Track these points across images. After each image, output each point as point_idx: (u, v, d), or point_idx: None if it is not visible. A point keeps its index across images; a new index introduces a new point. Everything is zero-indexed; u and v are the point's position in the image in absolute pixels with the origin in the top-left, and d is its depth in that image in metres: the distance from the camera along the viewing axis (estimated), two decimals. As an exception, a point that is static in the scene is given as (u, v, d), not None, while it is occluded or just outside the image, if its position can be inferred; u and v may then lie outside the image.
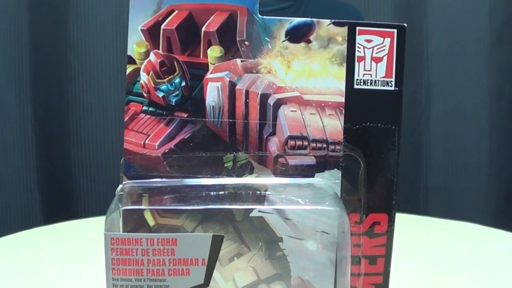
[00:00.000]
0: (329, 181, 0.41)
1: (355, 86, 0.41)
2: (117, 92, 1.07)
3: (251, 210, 0.40)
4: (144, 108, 0.41)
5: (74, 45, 1.09)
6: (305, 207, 0.39)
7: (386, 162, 0.42)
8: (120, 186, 0.39)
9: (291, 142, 0.41)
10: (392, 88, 0.41)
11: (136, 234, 0.37)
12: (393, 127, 0.41)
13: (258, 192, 0.40)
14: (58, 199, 1.14)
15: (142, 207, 0.39)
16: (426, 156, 1.16)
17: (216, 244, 0.38)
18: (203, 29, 0.40)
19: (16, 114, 1.10)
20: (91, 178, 1.10)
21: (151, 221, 0.39)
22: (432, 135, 1.17)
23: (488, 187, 1.17)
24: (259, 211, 0.40)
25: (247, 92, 0.41)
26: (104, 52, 1.10)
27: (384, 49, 0.41)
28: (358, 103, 0.41)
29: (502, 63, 1.17)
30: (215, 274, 0.39)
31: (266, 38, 0.40)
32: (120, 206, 0.38)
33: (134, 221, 0.39)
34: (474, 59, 1.16)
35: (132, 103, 0.41)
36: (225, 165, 0.41)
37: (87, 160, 1.11)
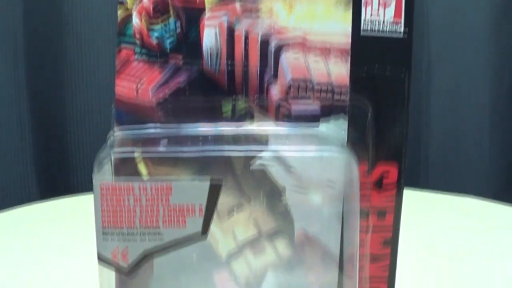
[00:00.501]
0: (334, 129, 0.38)
1: (362, 31, 0.39)
2: (113, 65, 1.04)
3: (251, 162, 0.37)
4: (137, 52, 0.38)
5: (67, 18, 1.07)
6: (309, 153, 0.37)
7: (395, 110, 0.39)
8: (111, 132, 0.37)
9: (294, 88, 0.38)
10: (401, 34, 0.38)
11: (128, 180, 0.35)
12: (402, 75, 0.39)
13: (259, 140, 0.37)
14: (54, 176, 1.12)
15: (135, 154, 0.36)
16: (427, 133, 1.14)
17: (214, 191, 0.35)
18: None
19: (10, 87, 1.08)
20: (87, 154, 1.07)
21: (144, 171, 0.36)
22: (432, 112, 1.15)
23: (489, 163, 1.15)
24: (260, 163, 0.37)
25: (246, 36, 0.38)
26: (99, 23, 1.07)
27: (392, -7, 0.38)
28: (365, 50, 0.39)
29: (504, 40, 1.15)
30: (213, 228, 0.37)
31: (267, -22, 0.38)
32: (111, 153, 0.35)
33: (126, 172, 0.36)
34: (475, 36, 1.14)
35: (124, 48, 0.38)
36: (224, 113, 0.38)
37: (83, 136, 1.08)
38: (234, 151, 0.37)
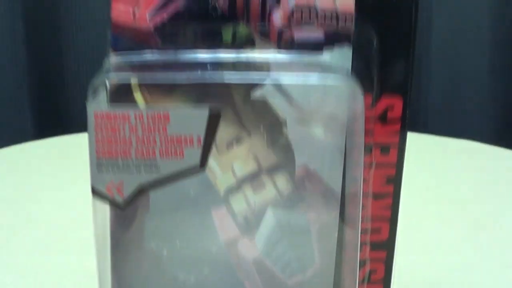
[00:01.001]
0: (339, 57, 0.36)
1: (369, -45, 0.36)
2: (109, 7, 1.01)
3: (252, 91, 0.35)
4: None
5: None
6: (312, 82, 0.34)
7: (401, 39, 0.37)
8: (106, 59, 0.34)
9: (297, 14, 0.36)
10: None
11: (124, 107, 0.32)
12: (410, 1, 0.36)
13: (260, 69, 0.35)
14: (51, 115, 1.11)
15: (131, 80, 0.34)
16: (426, 75, 1.12)
17: (213, 121, 0.33)
18: None
19: (6, 30, 1.05)
20: (84, 92, 1.05)
21: (140, 101, 0.34)
22: (432, 54, 1.13)
23: (489, 106, 1.14)
24: (261, 94, 0.35)
25: (249, -41, 0.35)
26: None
27: None
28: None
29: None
30: (212, 163, 0.35)
31: None
32: (106, 79, 0.33)
33: (122, 100, 0.34)
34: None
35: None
36: (224, 40, 0.36)
37: (79, 75, 1.07)
38: (233, 78, 0.34)
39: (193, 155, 0.34)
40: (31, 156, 0.91)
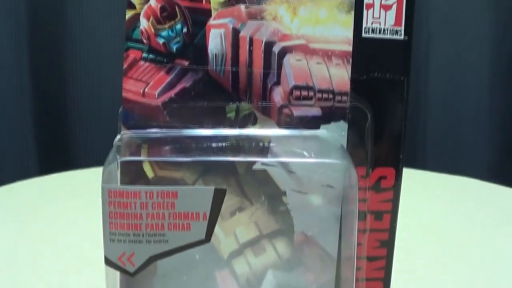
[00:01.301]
0: (335, 133, 0.39)
1: (363, 35, 0.39)
2: (114, 39, 1.04)
3: (254, 162, 0.38)
4: (144, 55, 0.39)
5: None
6: (310, 159, 0.38)
7: (394, 114, 0.40)
8: (118, 136, 0.38)
9: (296, 92, 0.39)
10: (401, 37, 0.39)
11: (135, 186, 0.36)
12: (402, 78, 0.40)
13: (261, 144, 0.39)
14: (54, 149, 1.13)
15: (141, 158, 0.37)
16: (425, 110, 1.14)
17: (218, 197, 0.36)
18: (206, -28, 0.38)
19: (12, 63, 1.07)
20: (87, 127, 1.08)
21: (150, 173, 0.38)
22: (431, 88, 1.15)
23: (487, 142, 1.16)
24: (262, 163, 0.38)
25: (251, 40, 0.39)
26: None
27: (393, -3, 0.39)
28: (366, 53, 0.40)
29: (503, 16, 1.15)
30: (216, 229, 0.38)
31: (272, -17, 0.38)
32: (118, 157, 0.36)
33: (133, 173, 0.37)
34: (475, 11, 1.14)
35: (131, 49, 0.39)
36: (228, 115, 0.39)
37: (84, 109, 1.09)
38: (236, 160, 0.38)
39: (199, 229, 0.37)
40: (35, 192, 0.91)
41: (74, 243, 0.74)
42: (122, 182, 0.37)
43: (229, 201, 0.39)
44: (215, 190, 0.36)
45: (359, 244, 0.41)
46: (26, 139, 1.15)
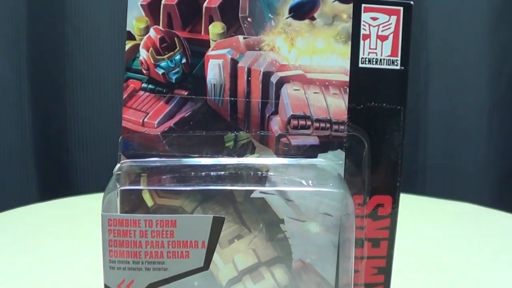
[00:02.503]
0: (332, 162, 0.40)
1: (360, 65, 0.40)
2: (115, 68, 1.05)
3: (252, 191, 0.38)
4: (144, 85, 0.39)
5: (71, 20, 1.07)
6: (307, 188, 0.38)
7: (390, 143, 0.41)
8: (118, 165, 0.38)
9: (294, 122, 0.40)
10: (398, 67, 0.40)
11: (134, 215, 0.36)
12: (398, 107, 0.40)
13: (260, 173, 0.39)
14: (55, 176, 1.13)
15: (140, 187, 0.38)
16: (424, 136, 1.15)
17: (217, 226, 0.36)
18: (204, 4, 0.39)
19: (13, 90, 1.08)
20: (88, 155, 1.08)
21: (149, 202, 0.38)
22: (430, 115, 1.15)
23: (486, 168, 1.16)
24: (261, 192, 0.39)
25: (249, 70, 0.39)
26: (102, 27, 1.08)
27: (390, 27, 0.40)
28: (362, 82, 0.40)
29: (502, 43, 1.16)
30: (215, 257, 0.38)
31: (269, 15, 0.39)
32: (118, 186, 0.37)
33: (132, 202, 0.38)
34: (474, 38, 1.15)
35: (131, 80, 0.39)
36: (226, 145, 0.39)
37: (84, 136, 1.09)
38: (235, 188, 0.38)
39: (198, 257, 0.37)
40: (35, 218, 0.91)
41: (74, 269, 0.73)
42: (122, 211, 0.38)
43: (228, 229, 0.39)
44: (214, 218, 0.37)
45: (356, 271, 0.41)
46: (26, 165, 1.16)
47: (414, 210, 0.88)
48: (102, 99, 1.12)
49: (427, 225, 0.85)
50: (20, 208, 0.92)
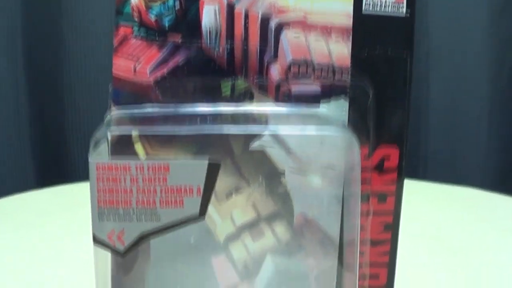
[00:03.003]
0: (335, 111, 0.37)
1: (364, 11, 0.37)
2: (111, 55, 1.02)
3: (251, 142, 0.36)
4: (135, 31, 0.37)
5: (67, 8, 1.06)
6: (310, 133, 0.36)
7: (396, 91, 0.38)
8: (108, 113, 0.36)
9: (294, 68, 0.37)
10: (403, 13, 0.37)
11: (125, 160, 0.34)
12: (404, 55, 0.38)
13: (258, 121, 0.36)
14: (52, 165, 1.12)
15: (132, 130, 0.35)
16: (426, 125, 1.13)
17: (213, 172, 0.34)
18: None
19: (9, 81, 1.07)
20: (85, 143, 1.06)
21: (141, 153, 0.35)
22: (431, 104, 1.14)
23: (487, 156, 1.14)
24: (259, 145, 0.36)
25: (246, 14, 0.37)
26: (97, 14, 1.06)
27: (395, -30, 0.37)
28: (366, 29, 0.38)
29: (503, 32, 1.14)
30: (212, 211, 0.36)
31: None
32: (108, 132, 0.34)
33: (123, 152, 0.35)
34: (475, 27, 1.14)
35: (122, 26, 0.37)
36: (223, 93, 0.37)
37: (81, 125, 1.07)
38: (232, 130, 0.36)
39: (192, 204, 0.35)
40: (32, 205, 0.91)
41: (70, 255, 0.73)
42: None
43: (225, 182, 0.37)
44: (209, 164, 0.34)
45: (361, 227, 0.38)
46: (23, 155, 1.14)
47: (416, 194, 0.87)
48: (100, 85, 1.10)
49: (430, 209, 0.85)
50: (16, 195, 0.92)
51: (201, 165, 0.34)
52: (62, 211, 0.86)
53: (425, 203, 0.86)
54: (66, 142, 1.15)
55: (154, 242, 0.36)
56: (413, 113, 1.05)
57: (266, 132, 0.36)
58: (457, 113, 1.19)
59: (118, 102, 0.37)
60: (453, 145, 1.20)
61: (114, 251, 0.35)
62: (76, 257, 0.71)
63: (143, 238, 0.35)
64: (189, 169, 0.34)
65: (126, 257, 0.36)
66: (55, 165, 1.18)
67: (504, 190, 0.93)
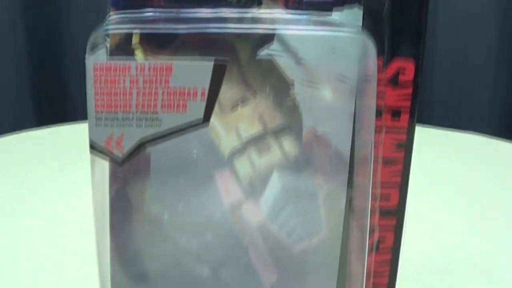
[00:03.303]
0: (348, 18, 0.34)
1: None
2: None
3: (258, 50, 0.33)
4: None
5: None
6: (321, 33, 0.33)
7: (413, 0, 0.35)
8: (107, 17, 0.33)
9: (306, -28, 0.34)
10: None
11: (124, 60, 0.31)
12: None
13: (267, 26, 0.34)
14: (52, 107, 1.10)
15: (132, 31, 0.32)
16: (431, 70, 1.11)
17: (219, 73, 0.32)
18: None
19: (7, 24, 1.05)
20: (83, 81, 1.04)
21: (140, 56, 0.33)
22: (438, 49, 1.11)
23: (493, 102, 1.13)
24: (268, 53, 0.33)
25: None
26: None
27: None
28: None
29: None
30: (216, 123, 0.33)
31: None
32: (106, 32, 0.32)
33: (122, 54, 0.33)
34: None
35: None
36: (229, -1, 0.34)
37: (80, 66, 1.05)
38: (238, 29, 0.33)
39: (196, 109, 0.32)
40: (31, 144, 0.91)
41: (69, 194, 0.74)
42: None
43: (230, 92, 0.34)
44: (215, 64, 0.31)
45: (373, 144, 0.36)
46: (22, 99, 1.13)
47: (420, 139, 0.86)
48: (100, 21, 1.08)
49: (434, 154, 0.84)
50: (16, 134, 0.92)
51: (206, 66, 0.32)
52: (61, 150, 0.87)
53: (429, 148, 0.86)
54: (64, 79, 1.14)
55: (154, 155, 0.34)
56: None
57: (274, 31, 0.33)
58: (464, 58, 1.18)
59: (118, 7, 0.35)
60: (459, 91, 1.19)
61: (112, 159, 0.33)
62: (75, 194, 0.71)
63: (143, 145, 0.33)
64: (193, 70, 0.32)
65: (125, 167, 0.33)
66: (53, 103, 1.17)
67: (510, 137, 0.92)
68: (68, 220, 0.66)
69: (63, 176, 0.78)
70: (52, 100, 1.16)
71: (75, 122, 0.95)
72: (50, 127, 0.95)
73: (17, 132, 0.92)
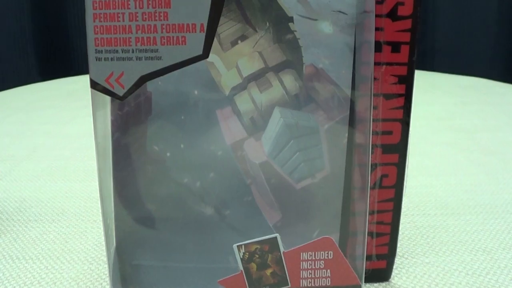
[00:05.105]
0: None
1: None
2: None
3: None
4: None
5: None
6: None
7: None
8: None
9: None
10: None
11: (123, -5, 0.31)
12: None
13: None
14: (55, 61, 1.11)
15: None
16: (433, 17, 1.10)
17: (217, 6, 0.31)
18: None
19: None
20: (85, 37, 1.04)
21: None
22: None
23: (495, 48, 1.12)
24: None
25: None
26: None
27: None
28: None
29: None
30: (216, 60, 0.33)
31: None
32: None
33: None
34: None
35: None
36: None
37: (84, 15, 1.05)
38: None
39: (196, 42, 0.32)
40: (35, 96, 0.92)
41: (73, 138, 0.75)
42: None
43: (230, 29, 0.34)
44: (213, -3, 0.31)
45: (376, 79, 0.36)
46: (26, 51, 1.13)
47: (424, 83, 0.87)
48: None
49: (439, 95, 0.83)
50: (20, 87, 0.95)
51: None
52: (63, 102, 0.89)
53: (433, 91, 0.86)
54: (67, 34, 1.13)
55: (155, 94, 0.34)
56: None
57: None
58: (467, 6, 1.17)
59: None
60: (461, 35, 1.18)
61: (114, 96, 0.32)
62: (78, 141, 0.73)
63: (143, 80, 0.32)
64: (192, 3, 0.31)
65: (126, 107, 0.33)
66: (58, 62, 1.17)
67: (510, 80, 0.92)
68: (72, 163, 0.67)
69: (67, 123, 0.80)
70: (55, 54, 1.17)
71: (76, 76, 0.95)
72: (52, 81, 0.96)
73: (21, 86, 0.95)
